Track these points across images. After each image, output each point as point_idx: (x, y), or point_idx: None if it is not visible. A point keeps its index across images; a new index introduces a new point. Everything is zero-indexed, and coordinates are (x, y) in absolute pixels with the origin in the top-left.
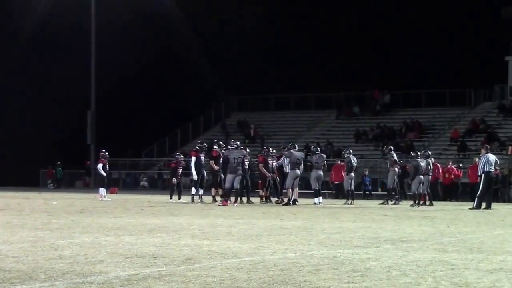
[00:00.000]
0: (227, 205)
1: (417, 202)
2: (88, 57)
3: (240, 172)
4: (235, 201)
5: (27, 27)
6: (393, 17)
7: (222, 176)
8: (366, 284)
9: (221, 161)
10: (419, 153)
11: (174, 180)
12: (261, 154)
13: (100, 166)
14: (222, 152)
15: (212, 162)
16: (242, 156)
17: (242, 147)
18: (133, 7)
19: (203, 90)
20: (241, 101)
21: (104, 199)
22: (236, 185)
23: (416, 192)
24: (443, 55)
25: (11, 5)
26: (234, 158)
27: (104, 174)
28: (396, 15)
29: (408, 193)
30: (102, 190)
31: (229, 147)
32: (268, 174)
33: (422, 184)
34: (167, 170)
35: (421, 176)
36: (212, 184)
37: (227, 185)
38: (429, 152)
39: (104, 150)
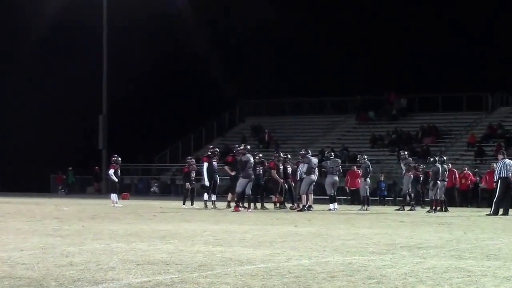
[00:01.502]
0: (240, 210)
1: (434, 208)
2: (100, 61)
3: (252, 177)
4: (249, 207)
5: (37, 30)
6: (410, 20)
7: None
8: None
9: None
10: (437, 158)
11: (188, 185)
12: (272, 160)
13: (111, 171)
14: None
15: (227, 168)
16: (253, 161)
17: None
18: (145, 9)
19: (217, 94)
20: (256, 106)
21: (116, 205)
22: (248, 190)
23: (433, 198)
24: (460, 59)
25: (21, 7)
26: (248, 163)
27: (116, 179)
28: (413, 18)
29: (426, 199)
30: (113, 196)
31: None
32: (280, 179)
33: (439, 190)
34: (179, 175)
35: (439, 182)
36: (228, 189)
37: (239, 189)
38: (445, 158)
39: (116, 156)
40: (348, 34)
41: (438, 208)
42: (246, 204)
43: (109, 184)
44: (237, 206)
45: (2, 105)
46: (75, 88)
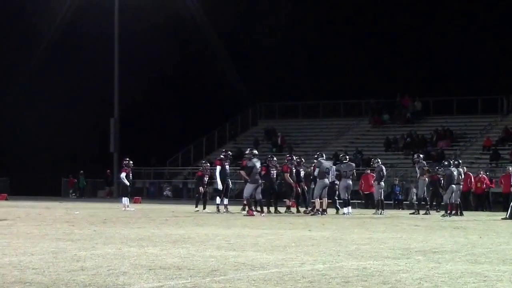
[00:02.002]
0: (254, 215)
1: (449, 212)
2: (111, 64)
3: (260, 181)
4: (262, 211)
5: (48, 34)
6: (423, 22)
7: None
8: None
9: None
10: (451, 161)
11: (201, 188)
12: (285, 164)
13: (123, 175)
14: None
15: (242, 172)
16: (259, 166)
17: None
18: (157, 11)
19: (230, 97)
20: (269, 109)
21: (127, 208)
22: (258, 195)
23: (448, 202)
24: (475, 61)
25: (33, 11)
26: (254, 168)
27: (127, 183)
28: (426, 21)
29: (441, 203)
30: (125, 200)
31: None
32: (293, 183)
33: (454, 194)
34: (192, 179)
35: (454, 186)
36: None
37: (246, 195)
38: (460, 161)
39: (127, 159)
40: (362, 37)
41: (453, 212)
42: (259, 208)
43: (120, 188)
44: (250, 210)
45: (14, 109)
46: (87, 92)
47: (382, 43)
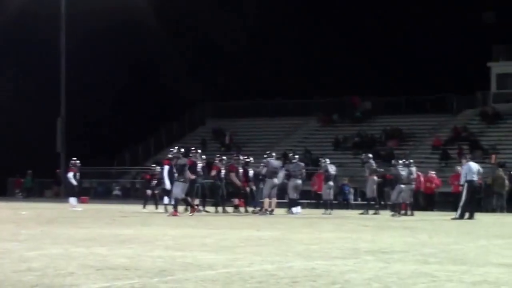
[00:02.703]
0: (178, 215)
1: (398, 211)
2: (58, 63)
3: (193, 178)
4: (192, 211)
5: None
6: (373, 21)
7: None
8: None
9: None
10: (400, 161)
11: (149, 191)
12: (231, 163)
13: (70, 175)
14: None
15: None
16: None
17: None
18: (105, 10)
19: (178, 96)
20: (217, 108)
21: (74, 208)
22: (181, 194)
23: (396, 202)
24: (424, 61)
25: None
26: (185, 166)
27: (75, 183)
28: (376, 19)
29: (388, 203)
30: (72, 200)
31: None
32: (238, 182)
33: (402, 193)
34: (140, 179)
35: (402, 186)
36: (189, 193)
37: (178, 194)
38: (411, 161)
39: (75, 159)
40: (312, 36)
41: (403, 212)
42: (208, 208)
43: (67, 188)
44: (175, 211)
45: None
46: (34, 91)
47: (332, 41)
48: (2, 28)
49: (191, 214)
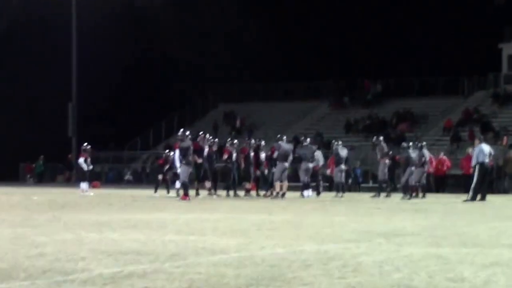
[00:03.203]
0: (188, 199)
1: (408, 194)
2: (69, 49)
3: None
4: (183, 197)
5: (3, 18)
6: (384, 4)
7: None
8: (358, 279)
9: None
10: (410, 144)
11: (160, 176)
12: (244, 146)
13: (81, 160)
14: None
15: (194, 155)
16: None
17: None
18: None
19: (190, 80)
20: (229, 92)
21: (86, 193)
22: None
23: (406, 185)
24: (435, 43)
25: None
26: (188, 149)
27: (86, 168)
28: (387, 2)
29: (398, 186)
30: (84, 185)
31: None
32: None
33: (412, 176)
34: (151, 163)
35: (412, 168)
36: (196, 177)
37: (183, 178)
38: (423, 144)
39: (86, 144)
40: (323, 19)
41: (414, 194)
42: (219, 192)
43: (78, 173)
44: (185, 195)
45: None
46: (45, 77)
47: (343, 24)
48: (14, 13)
49: (177, 199)
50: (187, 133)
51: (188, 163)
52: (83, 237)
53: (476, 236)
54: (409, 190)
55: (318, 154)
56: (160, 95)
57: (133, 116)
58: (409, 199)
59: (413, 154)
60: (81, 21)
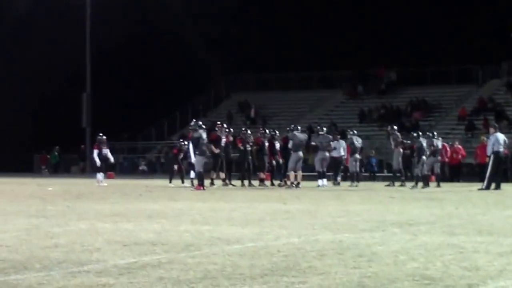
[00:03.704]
0: (202, 189)
1: (417, 183)
2: (83, 39)
3: (207, 153)
4: (211, 184)
5: (17, 7)
6: None
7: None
8: (373, 269)
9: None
10: (420, 133)
11: (176, 166)
12: (258, 137)
13: (95, 153)
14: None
15: (211, 145)
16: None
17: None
18: None
19: (203, 70)
20: (242, 81)
21: (101, 184)
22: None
23: (420, 174)
24: (449, 32)
25: None
26: (200, 139)
27: (99, 163)
28: None
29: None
30: (99, 175)
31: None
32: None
33: (425, 166)
34: (166, 153)
35: (424, 157)
36: (213, 167)
37: (198, 168)
38: (434, 133)
39: (101, 134)
40: (335, 7)
41: (425, 184)
42: (234, 182)
43: (93, 166)
44: (199, 185)
45: None
46: (59, 67)
47: (356, 13)
48: (28, 4)
49: (192, 189)
50: (200, 123)
51: (201, 153)
52: (98, 227)
53: (491, 225)
54: (425, 180)
55: (342, 144)
56: (173, 85)
57: (148, 106)
58: (422, 187)
59: (425, 143)
60: (95, 10)
